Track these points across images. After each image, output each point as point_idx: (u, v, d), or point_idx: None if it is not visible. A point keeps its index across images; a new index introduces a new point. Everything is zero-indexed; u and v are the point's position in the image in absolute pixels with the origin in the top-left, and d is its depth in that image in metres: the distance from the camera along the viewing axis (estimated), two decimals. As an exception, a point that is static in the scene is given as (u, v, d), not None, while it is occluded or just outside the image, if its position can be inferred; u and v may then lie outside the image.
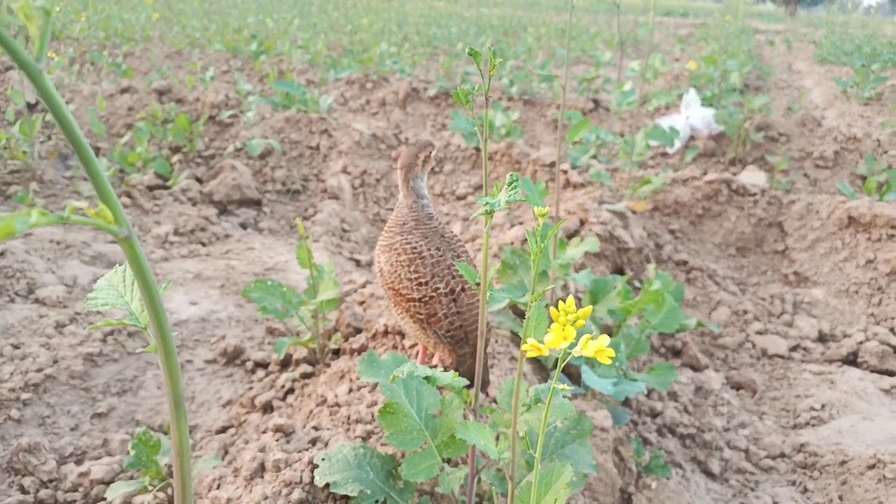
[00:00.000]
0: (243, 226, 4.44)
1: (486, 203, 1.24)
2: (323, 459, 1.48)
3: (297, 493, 1.42)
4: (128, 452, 2.31)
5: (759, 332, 3.47)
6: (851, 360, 3.32)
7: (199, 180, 4.80)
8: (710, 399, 2.84)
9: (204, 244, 3.95)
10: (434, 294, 1.78)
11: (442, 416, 1.56)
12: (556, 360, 2.36)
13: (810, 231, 4.16)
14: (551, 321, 0.94)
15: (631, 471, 2.22)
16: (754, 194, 4.30)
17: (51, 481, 2.16)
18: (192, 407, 2.61)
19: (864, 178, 5.69)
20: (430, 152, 1.89)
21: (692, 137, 6.08)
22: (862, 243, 3.96)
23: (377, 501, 1.44)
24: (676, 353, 3.09)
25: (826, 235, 4.10)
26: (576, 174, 4.44)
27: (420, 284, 1.78)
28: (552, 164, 4.55)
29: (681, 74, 8.78)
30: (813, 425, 2.75)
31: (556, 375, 0.98)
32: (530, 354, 0.90)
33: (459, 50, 10.03)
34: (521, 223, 4.32)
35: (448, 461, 1.58)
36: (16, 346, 2.65)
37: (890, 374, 3.19)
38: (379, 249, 1.88)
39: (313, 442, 1.69)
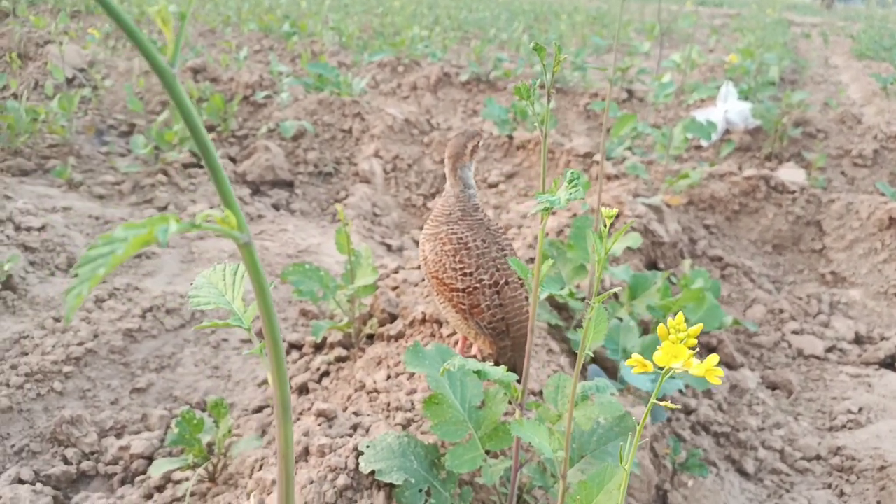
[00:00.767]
0: (276, 207, 4.46)
1: (546, 200, 1.22)
2: (368, 447, 1.48)
3: (342, 479, 1.43)
4: (167, 428, 2.35)
5: (795, 332, 3.42)
6: (889, 363, 3.27)
7: (232, 160, 4.83)
8: (745, 398, 2.81)
9: (238, 224, 3.97)
10: (478, 285, 1.78)
11: (485, 409, 1.56)
12: (594, 355, 2.35)
13: (849, 231, 4.09)
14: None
15: (666, 468, 2.20)
16: (793, 192, 4.23)
17: (92, 453, 2.20)
18: (228, 385, 2.64)
19: (904, 178, 5.57)
20: (479, 142, 1.88)
21: (728, 131, 5.98)
22: (903, 245, 3.88)
23: (421, 490, 1.45)
24: (711, 349, 3.06)
25: (865, 236, 4.02)
26: (610, 166, 4.39)
27: (464, 275, 1.78)
28: (586, 155, 4.51)
29: (716, 66, 8.63)
30: (850, 428, 2.71)
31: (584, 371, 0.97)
32: (637, 370, 0.89)
33: (492, 35, 9.95)
34: (553, 213, 4.29)
35: (488, 452, 1.57)
36: (57, 320, 2.69)
37: (929, 379, 3.13)
38: (424, 238, 1.88)
39: (354, 428, 1.70)
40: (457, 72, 7.13)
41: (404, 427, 1.75)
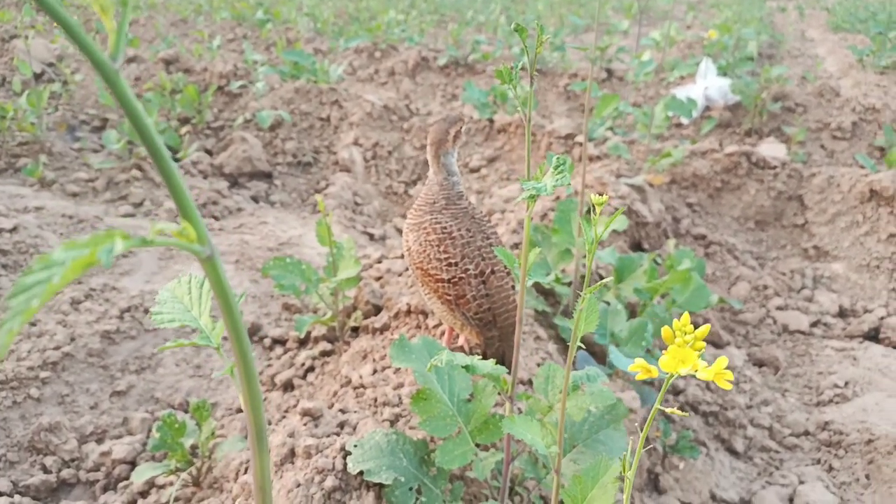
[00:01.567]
0: (255, 199, 4.39)
1: (532, 188, 1.18)
2: (355, 446, 1.45)
3: (329, 481, 1.40)
4: (149, 431, 2.30)
5: (780, 308, 3.43)
6: (873, 335, 3.28)
7: (208, 152, 4.74)
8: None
9: (217, 218, 3.90)
10: (463, 275, 1.74)
11: (475, 402, 1.53)
12: (582, 340, 2.32)
13: (831, 205, 4.09)
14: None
15: (657, 450, 2.19)
16: (774, 167, 4.23)
17: (73, 460, 2.15)
18: (211, 385, 2.59)
19: (882, 150, 5.59)
20: (461, 127, 1.84)
21: (707, 108, 5.96)
22: (884, 217, 3.89)
23: (411, 489, 1.41)
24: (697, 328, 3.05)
25: (847, 209, 4.04)
26: (592, 146, 4.36)
27: (450, 265, 1.74)
28: (568, 136, 4.47)
29: (694, 43, 8.61)
30: (836, 403, 2.72)
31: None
32: (640, 377, 0.85)
33: (469, 18, 9.85)
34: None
35: (479, 445, 1.55)
36: (32, 324, 2.62)
37: (913, 350, 3.15)
38: (407, 228, 1.84)
39: (341, 426, 1.67)
40: (435, 56, 7.05)
41: (392, 423, 1.72)
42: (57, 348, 2.49)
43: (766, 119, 5.87)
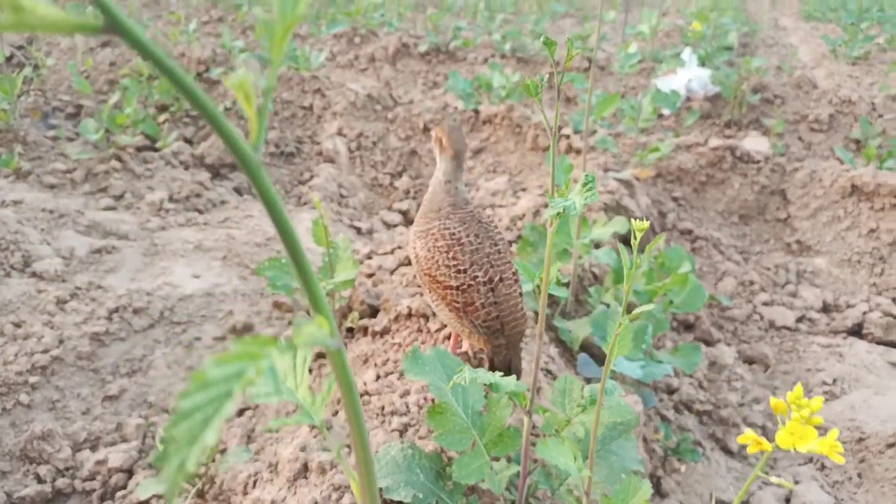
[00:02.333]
0: (238, 191, 4.31)
1: (560, 206, 1.16)
2: (371, 462, 1.43)
3: (347, 498, 1.38)
4: (144, 437, 2.25)
5: (766, 304, 3.48)
6: (856, 331, 3.35)
7: (188, 141, 4.63)
8: (724, 374, 2.85)
9: (200, 211, 3.83)
10: (472, 283, 1.72)
11: (489, 414, 1.52)
12: (581, 341, 2.33)
13: (813, 199, 4.16)
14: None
15: (657, 453, 2.22)
16: (758, 162, 4.27)
17: (67, 469, 2.10)
18: (204, 387, 2.54)
19: (858, 142, 5.69)
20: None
21: (688, 98, 6.00)
22: (864, 212, 3.97)
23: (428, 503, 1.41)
24: (689, 327, 3.09)
25: (829, 204, 4.10)
26: (578, 139, 4.36)
27: (458, 272, 1.72)
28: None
29: (672, 31, 8.64)
30: (826, 400, 2.78)
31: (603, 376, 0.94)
32: (751, 449, 0.85)
33: (449, 2, 9.74)
34: (523, 189, 4.25)
35: (494, 458, 1.54)
36: (17, 325, 2.55)
37: (895, 345, 3.22)
38: (414, 235, 1.81)
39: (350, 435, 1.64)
40: (415, 42, 6.96)
41: (401, 433, 1.71)
42: (45, 351, 2.43)
43: (745, 110, 5.92)
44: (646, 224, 1.09)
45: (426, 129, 4.75)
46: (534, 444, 1.50)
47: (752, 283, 3.62)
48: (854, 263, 3.85)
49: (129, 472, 2.10)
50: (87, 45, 5.23)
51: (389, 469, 1.41)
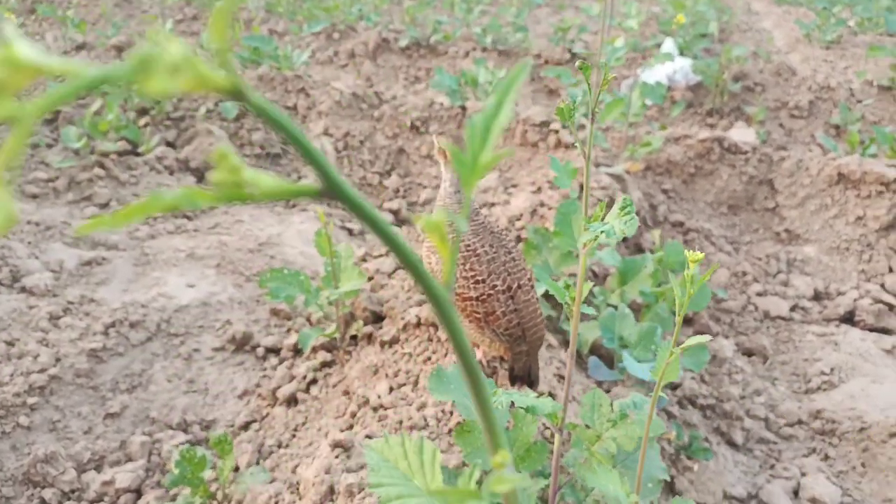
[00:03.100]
0: (224, 194, 4.24)
1: (598, 231, 1.15)
2: (400, 482, 1.41)
3: (378, 521, 1.37)
4: (149, 456, 2.21)
5: (760, 294, 3.51)
6: (848, 318, 3.40)
7: (171, 145, 4.54)
8: (725, 367, 2.87)
9: (190, 218, 3.76)
10: (492, 292, 1.72)
11: (515, 430, 1.51)
12: (591, 345, 2.33)
13: (800, 188, 4.20)
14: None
15: (667, 451, 2.23)
16: (746, 152, 4.30)
17: (73, 492, 2.06)
18: (207, 400, 2.50)
19: (837, 128, 5.77)
20: None
21: (670, 88, 6.03)
22: (851, 200, 4.02)
23: (461, 524, 1.39)
24: (687, 321, 3.11)
25: (816, 192, 4.15)
26: (567, 134, 4.35)
27: (477, 283, 1.72)
28: (542, 124, 4.45)
29: (649, 20, 8.67)
30: (825, 390, 2.82)
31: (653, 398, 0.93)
32: None
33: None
34: (514, 185, 4.24)
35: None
36: (10, 344, 2.48)
37: (887, 331, 3.28)
38: (427, 250, 1.80)
39: (372, 454, 1.63)
40: (395, 37, 6.90)
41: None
42: (42, 371, 2.37)
43: (727, 99, 5.97)
44: (701, 255, 1.08)
45: (413, 127, 4.71)
46: (562, 455, 1.49)
47: (744, 273, 3.65)
48: (843, 251, 3.90)
49: (138, 493, 2.06)
50: (62, 49, 5.10)
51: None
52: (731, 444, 2.53)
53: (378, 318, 2.58)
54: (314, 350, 2.56)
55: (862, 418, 2.53)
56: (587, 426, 1.43)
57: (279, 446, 2.12)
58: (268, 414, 2.36)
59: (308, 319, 2.81)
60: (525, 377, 1.83)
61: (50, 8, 5.87)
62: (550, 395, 1.94)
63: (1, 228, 0.33)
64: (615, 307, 2.39)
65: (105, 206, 3.69)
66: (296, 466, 1.87)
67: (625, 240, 3.57)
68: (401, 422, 1.79)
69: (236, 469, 1.98)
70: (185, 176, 4.17)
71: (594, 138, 3.90)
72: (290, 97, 4.91)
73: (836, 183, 4.09)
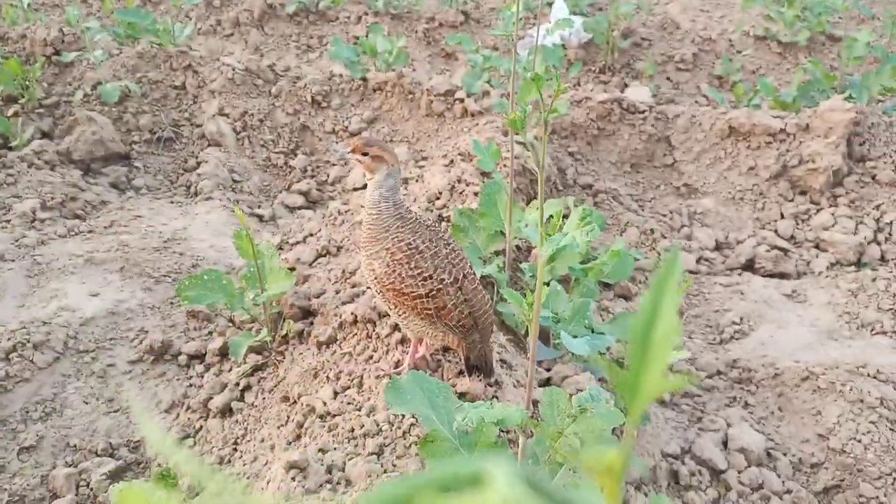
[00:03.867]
0: (115, 186, 3.94)
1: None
2: None
3: (350, 545, 1.33)
4: (77, 488, 2.06)
5: (668, 250, 3.67)
6: (749, 266, 3.63)
7: (47, 135, 4.16)
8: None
9: (81, 217, 3.47)
10: (441, 286, 1.72)
11: (476, 432, 1.51)
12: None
13: (695, 143, 4.39)
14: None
15: (606, 419, 2.31)
16: (643, 111, 4.44)
17: (-6, 541, 1.89)
18: (131, 418, 2.35)
19: (720, 78, 6.05)
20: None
21: (563, 46, 6.10)
22: (742, 152, 4.25)
23: (434, 535, 1.38)
24: (609, 286, 3.21)
25: (710, 146, 4.35)
26: (472, 102, 4.33)
27: (425, 279, 1.71)
28: (447, 93, 4.40)
29: (536, -25, 8.69)
30: (737, 339, 3.00)
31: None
32: None
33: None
34: (424, 158, 4.19)
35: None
36: None
37: (784, 276, 3.52)
38: (367, 256, 1.75)
39: (330, 470, 1.58)
40: (281, 2, 6.57)
41: (378, 455, 1.66)
42: (-62, 411, 2.14)
43: (617, 55, 6.12)
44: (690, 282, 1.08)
45: (315, 102, 4.53)
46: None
47: (652, 231, 3.80)
48: (738, 201, 4.14)
49: (72, 533, 1.92)
50: None
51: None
52: (660, 401, 2.66)
53: (307, 314, 2.50)
54: (244, 354, 2.45)
55: (774, 365, 2.71)
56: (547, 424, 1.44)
57: (221, 463, 2.03)
58: (202, 427, 2.25)
59: (231, 320, 2.68)
60: (482, 365, 1.84)
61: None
62: (497, 382, 1.95)
63: None
64: (546, 284, 2.43)
65: (-19, 211, 3.34)
66: (245, 487, 1.79)
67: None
68: (352, 430, 1.75)
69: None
70: (69, 170, 3.84)
71: (501, 106, 3.90)
72: (176, 76, 4.59)
73: (727, 136, 4.30)
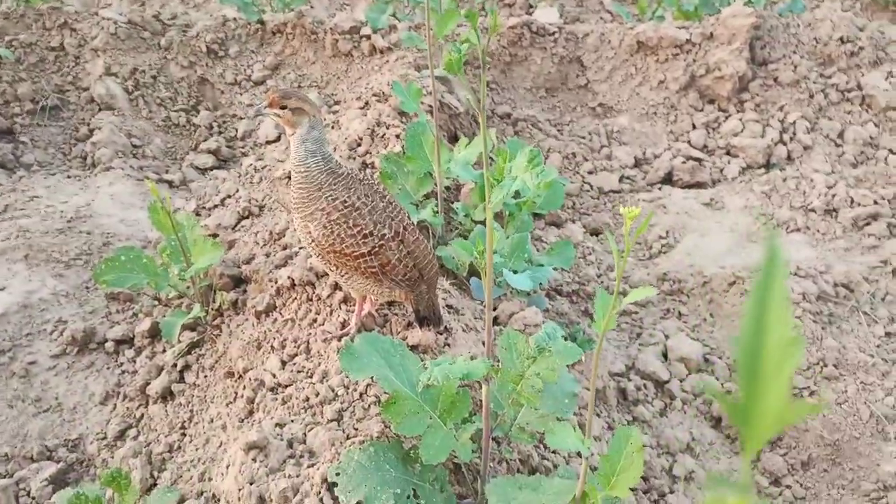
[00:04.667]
0: (2, 166, 3.61)
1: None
2: (338, 474, 1.35)
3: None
4: (16, 498, 1.94)
5: (591, 172, 3.71)
6: (668, 179, 3.72)
7: (-89, 117, 3.74)
8: (579, 251, 3.04)
9: (-31, 205, 3.17)
10: (383, 242, 1.66)
11: (436, 386, 1.49)
12: (470, 265, 2.33)
13: (606, 62, 4.39)
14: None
15: (553, 349, 2.34)
16: (553, 33, 4.38)
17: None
18: (64, 417, 2.22)
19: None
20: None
21: (464, -30, 5.92)
22: (652, 66, 4.28)
23: (409, 497, 1.37)
24: (537, 215, 3.22)
25: (620, 63, 4.36)
26: (380, 38, 4.16)
27: (366, 237, 1.64)
28: (352, 30, 4.20)
29: None
30: (664, 252, 3.09)
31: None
32: None
33: None
34: (337, 102, 4.02)
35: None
36: None
37: (701, 185, 3.63)
38: (301, 219, 1.66)
39: (291, 444, 1.54)
40: (156, -56, 6.04)
41: (338, 421, 1.62)
42: None
43: (519, -26, 6.00)
44: (636, 210, 1.06)
45: (211, 52, 4.24)
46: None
47: (574, 155, 3.82)
48: (651, 116, 4.20)
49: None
50: None
51: (359, 477, 1.35)
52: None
53: (239, 282, 2.39)
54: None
55: (702, 273, 2.81)
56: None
57: (171, 451, 1.95)
58: (143, 416, 2.15)
59: (156, 298, 2.54)
60: (431, 316, 1.81)
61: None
62: (447, 329, 1.93)
63: None
64: (482, 222, 2.40)
65: None
66: (202, 474, 1.73)
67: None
68: (307, 399, 1.70)
69: (151, 489, 1.79)
70: (-56, 153, 3.48)
71: (410, 40, 3.76)
72: (52, 36, 4.18)
73: (636, 52, 4.32)
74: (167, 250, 2.21)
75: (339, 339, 1.82)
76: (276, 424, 1.62)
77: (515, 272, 2.22)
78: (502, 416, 1.56)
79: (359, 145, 2.92)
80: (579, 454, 1.79)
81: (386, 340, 1.52)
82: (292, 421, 1.63)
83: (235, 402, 1.90)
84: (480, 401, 1.63)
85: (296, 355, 1.88)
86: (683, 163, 3.76)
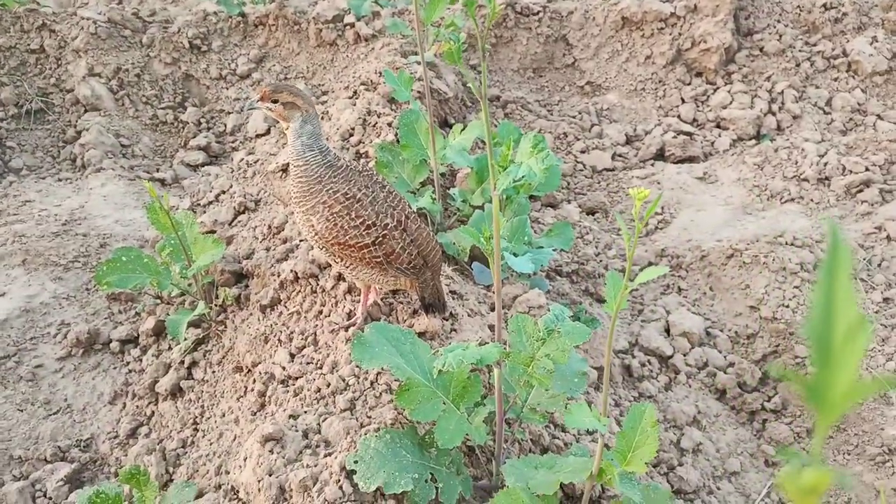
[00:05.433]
0: (-9, 171, 3.58)
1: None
2: (356, 461, 1.37)
3: (347, 509, 1.32)
4: (33, 500, 1.96)
5: (583, 151, 3.72)
6: (660, 155, 3.73)
7: None
8: (576, 231, 3.06)
9: (-39, 212, 3.15)
10: (386, 231, 1.68)
11: (448, 372, 1.51)
12: (469, 252, 2.35)
13: (592, 39, 4.39)
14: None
15: (556, 329, 2.37)
16: (537, 13, 4.37)
17: (-44, 574, 1.78)
18: (75, 418, 2.23)
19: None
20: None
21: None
22: (638, 42, 4.28)
23: (426, 481, 1.39)
24: (533, 196, 3.23)
25: (606, 40, 4.36)
26: (364, 26, 4.14)
27: (368, 228, 1.66)
28: (335, 19, 4.17)
29: None
30: (661, 228, 3.11)
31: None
32: None
33: None
34: (325, 93, 3.99)
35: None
36: None
37: (693, 160, 3.65)
38: (303, 213, 1.67)
39: (306, 434, 1.55)
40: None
41: (351, 410, 1.64)
42: None
43: (500, -44, 5.95)
44: (646, 192, 1.07)
45: (194, 47, 4.20)
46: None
47: (566, 134, 3.83)
48: (640, 92, 4.20)
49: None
50: None
51: (377, 463, 1.36)
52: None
53: (240, 277, 2.40)
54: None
55: (700, 247, 2.84)
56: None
57: (184, 446, 1.96)
58: (153, 413, 2.16)
59: (158, 297, 2.54)
60: (436, 302, 1.83)
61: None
62: (452, 315, 1.95)
63: None
64: (480, 207, 2.41)
65: None
66: (219, 467, 1.74)
67: (448, 125, 3.56)
68: (318, 390, 1.71)
69: (167, 485, 1.81)
70: (-68, 161, 3.45)
71: (395, 26, 3.74)
72: (31, 38, 4.13)
73: (621, 28, 4.32)
74: (167, 249, 2.21)
75: (347, 329, 1.84)
76: (290, 416, 1.63)
77: (516, 255, 2.24)
78: (514, 398, 1.58)
79: (351, 135, 2.92)
80: (588, 432, 1.83)
81: (395, 329, 1.53)
82: (305, 412, 1.64)
83: (246, 395, 1.91)
84: (491, 384, 1.66)
85: (304, 347, 1.89)
86: (674, 138, 3.77)
